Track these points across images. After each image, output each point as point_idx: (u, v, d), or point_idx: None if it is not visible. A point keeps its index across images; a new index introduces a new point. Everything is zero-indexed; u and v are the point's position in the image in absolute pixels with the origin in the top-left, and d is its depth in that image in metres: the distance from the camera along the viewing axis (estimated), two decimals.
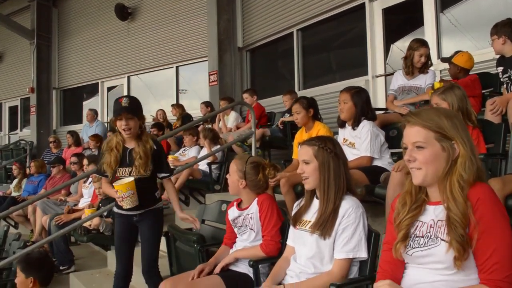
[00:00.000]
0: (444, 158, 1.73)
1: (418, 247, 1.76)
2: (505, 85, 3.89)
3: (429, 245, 1.73)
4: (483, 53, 5.08)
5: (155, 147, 3.29)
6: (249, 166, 2.91)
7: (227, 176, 3.01)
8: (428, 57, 4.50)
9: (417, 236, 1.78)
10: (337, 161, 2.37)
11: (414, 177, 1.78)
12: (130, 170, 3.23)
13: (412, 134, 1.76)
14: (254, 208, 2.88)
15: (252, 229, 2.88)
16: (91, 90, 12.78)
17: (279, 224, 2.81)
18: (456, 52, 4.49)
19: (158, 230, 3.35)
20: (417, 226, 1.79)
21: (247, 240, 2.91)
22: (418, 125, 1.75)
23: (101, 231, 5.13)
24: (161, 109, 8.85)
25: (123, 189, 3.12)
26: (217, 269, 2.86)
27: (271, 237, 2.77)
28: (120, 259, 3.37)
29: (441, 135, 1.73)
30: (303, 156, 2.42)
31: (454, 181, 1.69)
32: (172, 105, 8.72)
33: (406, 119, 1.82)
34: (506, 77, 3.86)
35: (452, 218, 1.66)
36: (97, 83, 12.40)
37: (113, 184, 3.17)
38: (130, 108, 3.21)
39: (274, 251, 2.76)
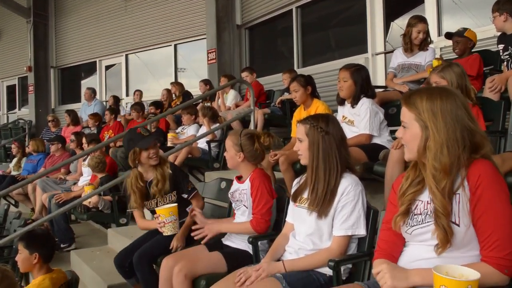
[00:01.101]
0: (423, 139, 1.73)
1: (417, 225, 1.78)
2: (505, 63, 3.87)
3: (427, 221, 1.74)
4: (484, 30, 5.04)
5: (170, 171, 3.29)
6: (244, 138, 2.92)
7: (225, 154, 3.02)
8: (427, 33, 4.45)
9: (415, 214, 1.79)
10: (329, 140, 2.35)
11: (405, 152, 1.85)
12: (155, 201, 3.28)
13: (401, 113, 1.82)
14: (247, 184, 2.90)
15: (245, 206, 2.91)
16: (89, 68, 12.70)
17: (271, 202, 2.83)
18: (465, 29, 4.39)
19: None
20: (417, 205, 1.80)
21: (243, 215, 2.94)
22: (404, 105, 1.80)
23: (100, 208, 5.17)
24: (166, 89, 8.72)
25: (165, 214, 3.04)
26: (204, 241, 2.96)
27: (261, 216, 2.80)
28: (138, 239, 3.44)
29: (417, 117, 1.75)
30: (298, 134, 2.46)
31: (428, 173, 1.71)
32: (172, 83, 8.65)
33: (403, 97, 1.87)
34: (506, 55, 3.83)
35: (436, 209, 1.69)
36: (95, 61, 12.31)
37: (155, 209, 3.17)
38: (156, 136, 3.32)
39: (264, 229, 2.80)
